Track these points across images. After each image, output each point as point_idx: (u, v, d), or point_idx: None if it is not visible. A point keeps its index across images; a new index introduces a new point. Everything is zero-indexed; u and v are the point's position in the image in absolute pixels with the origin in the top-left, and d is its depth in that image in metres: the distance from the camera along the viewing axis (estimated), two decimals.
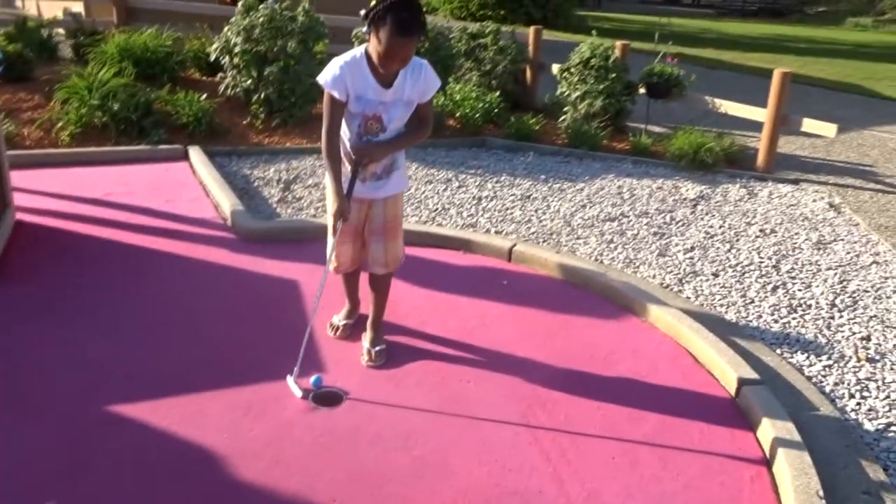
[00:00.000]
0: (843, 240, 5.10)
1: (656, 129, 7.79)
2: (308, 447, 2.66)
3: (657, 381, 3.24)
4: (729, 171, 6.54)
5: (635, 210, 5.41)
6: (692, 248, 4.76)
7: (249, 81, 6.63)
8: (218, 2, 11.29)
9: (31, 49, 7.25)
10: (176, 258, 4.09)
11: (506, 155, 6.66)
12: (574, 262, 4.27)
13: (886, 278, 4.49)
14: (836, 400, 3.22)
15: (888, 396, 3.26)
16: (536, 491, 2.53)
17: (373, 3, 2.62)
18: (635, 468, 2.68)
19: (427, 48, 6.85)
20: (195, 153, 5.76)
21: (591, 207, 5.40)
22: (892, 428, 3.04)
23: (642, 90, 7.37)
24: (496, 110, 7.30)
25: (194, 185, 5.24)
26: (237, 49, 6.56)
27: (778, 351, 3.59)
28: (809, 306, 4.06)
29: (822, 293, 4.23)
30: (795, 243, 4.98)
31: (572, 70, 7.44)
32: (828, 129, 6.35)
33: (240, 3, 6.70)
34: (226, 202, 4.74)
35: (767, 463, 2.76)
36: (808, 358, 3.54)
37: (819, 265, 4.63)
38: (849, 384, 3.34)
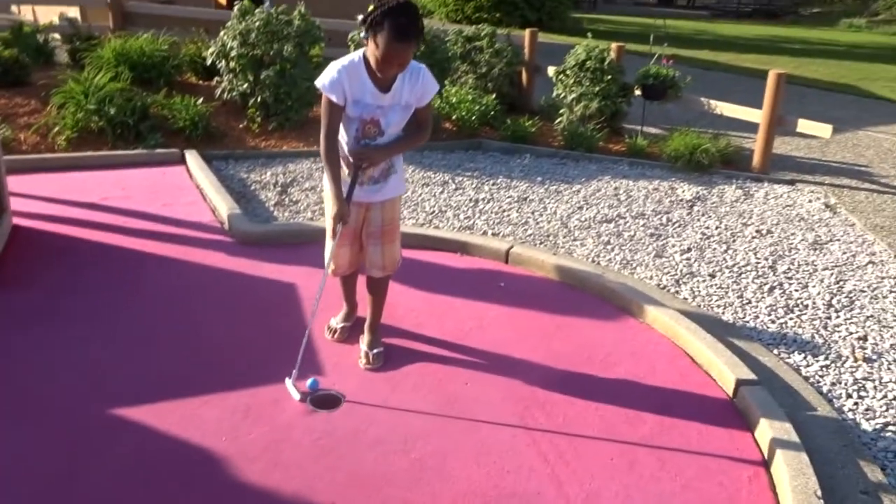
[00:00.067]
0: (839, 240, 5.11)
1: (652, 130, 7.81)
2: (307, 450, 2.66)
3: (655, 382, 3.24)
4: (725, 172, 6.56)
5: (632, 211, 5.42)
6: (689, 249, 4.77)
7: (246, 85, 6.63)
8: (214, 6, 11.31)
9: (28, 54, 7.24)
10: (173, 262, 4.09)
11: (502, 157, 6.67)
12: (571, 264, 4.28)
13: (882, 278, 4.50)
14: (834, 400, 3.23)
15: (885, 396, 3.27)
16: (535, 492, 2.53)
17: (371, 8, 2.63)
18: (634, 469, 2.68)
19: (423, 51, 6.86)
20: (192, 157, 5.76)
21: (587, 209, 5.41)
22: (890, 428, 3.05)
23: (638, 92, 7.39)
24: (492, 113, 7.31)
25: (191, 189, 5.24)
26: (233, 53, 6.57)
27: (775, 351, 3.60)
28: (806, 306, 4.08)
29: (819, 293, 4.24)
30: (792, 244, 4.99)
31: (568, 72, 7.46)
32: (823, 129, 6.37)
33: (236, 8, 6.71)
34: (223, 206, 4.74)
35: (765, 463, 2.77)
36: (805, 358, 3.55)
37: (815, 265, 4.64)
38: (846, 384, 3.35)
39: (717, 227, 5.21)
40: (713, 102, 7.15)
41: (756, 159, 6.73)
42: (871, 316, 4.00)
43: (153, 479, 2.48)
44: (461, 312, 3.74)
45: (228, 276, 3.98)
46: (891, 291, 4.32)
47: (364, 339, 3.29)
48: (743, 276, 4.42)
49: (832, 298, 4.19)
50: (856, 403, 3.21)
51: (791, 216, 5.57)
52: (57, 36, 8.37)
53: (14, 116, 6.18)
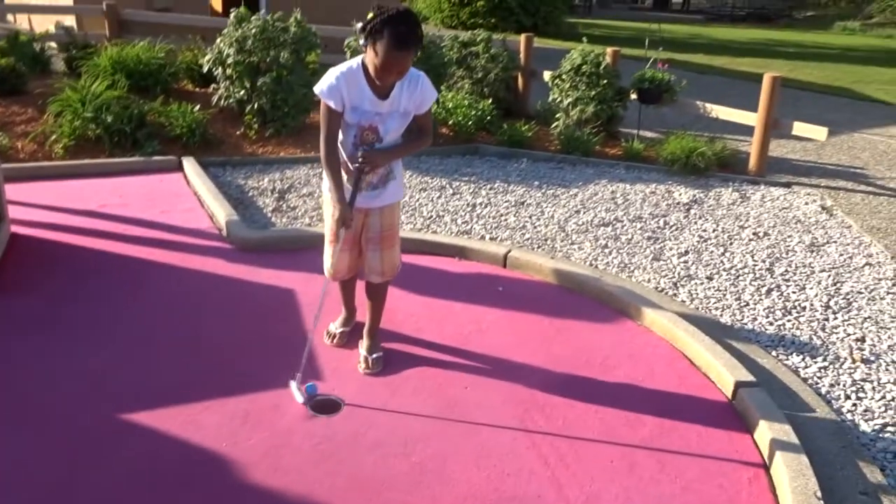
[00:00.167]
0: (835, 242, 5.13)
1: (648, 134, 7.84)
2: (307, 455, 2.66)
3: (654, 385, 3.25)
4: (721, 175, 6.58)
5: (629, 215, 5.43)
6: (686, 252, 4.78)
7: (242, 92, 6.64)
8: (210, 13, 11.34)
9: (24, 63, 7.27)
10: (172, 269, 4.09)
11: (499, 162, 6.69)
12: (569, 268, 4.29)
13: (880, 279, 4.51)
14: (832, 401, 3.24)
15: (884, 397, 3.28)
16: (535, 495, 2.53)
17: (370, 15, 2.64)
18: (633, 471, 2.68)
19: (419, 57, 6.88)
20: (189, 164, 5.77)
21: (584, 213, 5.43)
22: (889, 428, 3.06)
23: (634, 96, 7.41)
24: (489, 118, 7.33)
25: (189, 196, 5.25)
26: (230, 60, 6.58)
27: (773, 353, 3.60)
28: (804, 308, 4.09)
29: (817, 295, 4.26)
30: (789, 246, 5.00)
31: (564, 77, 7.48)
32: (818, 132, 6.39)
33: (232, 15, 6.72)
34: (221, 212, 4.74)
35: (765, 465, 2.77)
36: (803, 360, 3.56)
37: (813, 267, 4.65)
38: (844, 385, 3.36)
39: (714, 230, 5.22)
40: (709, 106, 7.18)
41: (752, 162, 6.75)
42: (869, 317, 4.01)
43: (154, 484, 2.48)
44: (460, 316, 3.74)
45: (227, 283, 3.98)
46: (888, 293, 4.33)
47: (363, 344, 3.29)
48: (740, 278, 4.43)
49: (830, 300, 4.20)
50: (854, 405, 3.22)
51: (788, 218, 5.59)
52: (53, 44, 8.39)
53: (11, 125, 6.18)
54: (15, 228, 4.42)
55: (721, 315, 3.97)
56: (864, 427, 3.06)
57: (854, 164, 7.43)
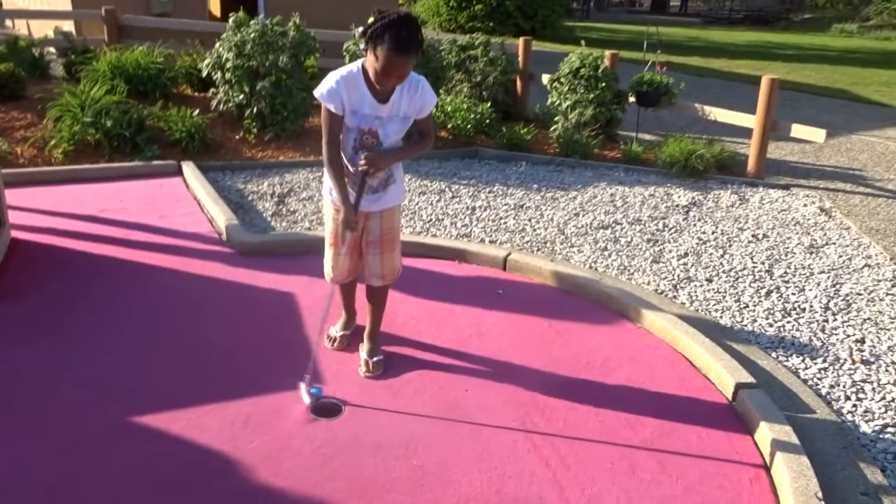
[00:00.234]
0: (834, 243, 5.14)
1: (647, 136, 7.85)
2: (308, 458, 2.66)
3: (654, 387, 3.25)
4: (720, 178, 6.59)
5: (628, 217, 5.44)
6: (686, 255, 4.79)
7: (242, 96, 6.65)
8: (208, 18, 11.36)
9: (23, 68, 7.28)
10: (172, 273, 4.09)
11: (498, 165, 6.70)
12: (569, 270, 4.29)
13: (879, 281, 4.52)
14: (833, 402, 3.24)
15: (884, 398, 3.28)
16: (537, 497, 2.53)
17: (371, 20, 2.64)
18: (635, 473, 2.69)
19: (418, 61, 6.89)
20: (189, 168, 5.77)
21: (584, 215, 5.43)
22: (889, 429, 3.06)
23: (632, 99, 7.43)
24: (487, 121, 7.34)
25: (188, 201, 5.25)
26: (229, 64, 6.59)
27: (773, 354, 3.61)
28: (803, 310, 4.09)
29: (816, 297, 4.26)
30: (788, 248, 5.01)
31: (562, 80, 7.49)
32: (817, 134, 6.41)
33: (230, 19, 6.74)
34: (220, 216, 4.75)
35: (766, 466, 2.78)
36: (803, 361, 3.56)
37: (812, 269, 4.66)
38: (844, 386, 3.36)
39: (713, 232, 5.23)
40: (707, 108, 7.19)
41: (751, 164, 6.76)
42: (869, 318, 4.02)
43: (155, 488, 2.48)
44: (460, 320, 3.75)
45: (227, 287, 3.99)
46: (887, 294, 4.34)
47: (364, 348, 3.30)
48: (740, 280, 4.44)
49: (829, 301, 4.21)
50: (854, 405, 3.22)
51: (786, 220, 5.60)
52: (52, 50, 8.39)
53: (10, 130, 6.19)
54: (15, 233, 4.42)
55: (721, 317, 3.97)
56: (865, 428, 3.07)
57: (852, 166, 7.44)
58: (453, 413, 2.98)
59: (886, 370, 3.51)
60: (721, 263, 4.68)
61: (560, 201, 5.74)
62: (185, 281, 4.02)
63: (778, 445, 2.75)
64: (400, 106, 2.88)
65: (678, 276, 4.46)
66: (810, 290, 4.35)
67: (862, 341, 3.77)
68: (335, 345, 3.41)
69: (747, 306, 4.10)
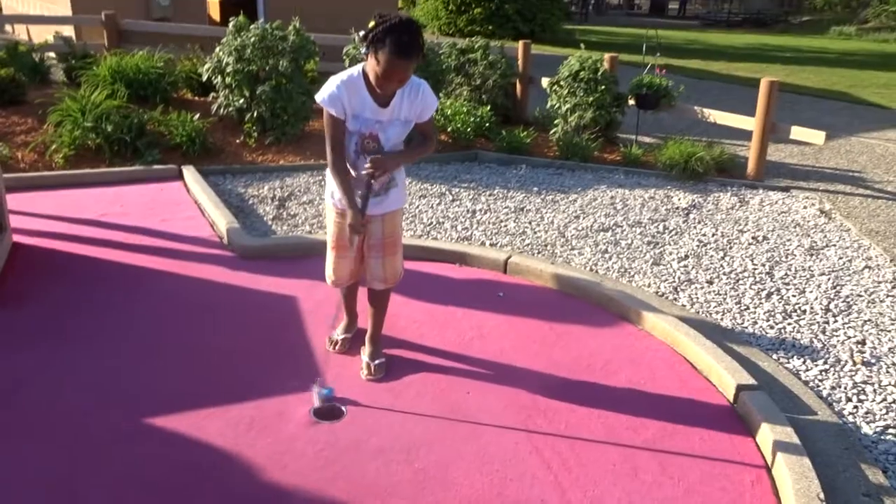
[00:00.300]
0: (834, 245, 5.15)
1: (646, 139, 7.86)
2: (310, 461, 2.67)
3: (655, 389, 3.26)
4: (720, 180, 6.60)
5: (628, 220, 5.45)
6: (686, 257, 4.80)
7: (242, 100, 6.66)
8: (208, 22, 11.38)
9: (24, 73, 7.29)
10: (174, 277, 4.10)
11: (498, 168, 6.71)
12: (569, 273, 4.30)
13: (879, 282, 4.53)
14: (834, 404, 3.25)
15: (885, 399, 3.29)
16: (538, 499, 2.54)
17: (371, 24, 2.65)
18: (636, 475, 2.69)
19: (418, 65, 6.90)
20: (189, 173, 5.78)
21: (584, 218, 5.44)
22: (890, 430, 3.07)
23: (632, 101, 7.43)
24: (487, 124, 7.35)
25: (189, 205, 5.26)
26: (229, 69, 6.60)
27: (774, 356, 3.61)
28: (804, 311, 4.10)
29: (816, 298, 4.27)
30: (788, 250, 5.02)
31: (562, 83, 7.50)
32: (816, 136, 6.42)
33: (230, 24, 6.75)
34: (221, 220, 4.75)
35: (767, 467, 2.78)
36: (804, 363, 3.57)
37: (812, 271, 4.67)
38: (845, 388, 3.37)
39: (713, 235, 5.24)
40: (706, 111, 7.20)
41: (750, 167, 6.77)
42: (869, 320, 4.03)
43: (158, 490, 2.48)
44: (461, 322, 3.75)
45: (229, 290, 3.99)
46: (888, 295, 4.35)
47: (366, 351, 3.30)
48: (740, 282, 4.45)
49: (830, 303, 4.21)
50: (856, 407, 3.23)
51: (786, 222, 5.61)
52: (52, 55, 8.40)
53: (11, 135, 6.20)
54: (17, 238, 4.43)
55: (721, 319, 3.98)
56: (866, 429, 3.07)
57: (852, 168, 7.45)
58: (455, 415, 2.98)
59: (887, 371, 3.51)
60: (721, 265, 4.68)
61: (560, 204, 5.75)
62: (186, 285, 4.02)
63: (779, 447, 2.76)
64: (401, 110, 2.89)
65: (679, 278, 4.46)
66: (811, 291, 4.36)
67: (863, 343, 3.78)
68: (336, 348, 3.41)
69: (748, 308, 4.11)
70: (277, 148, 6.58)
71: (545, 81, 7.84)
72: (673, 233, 5.24)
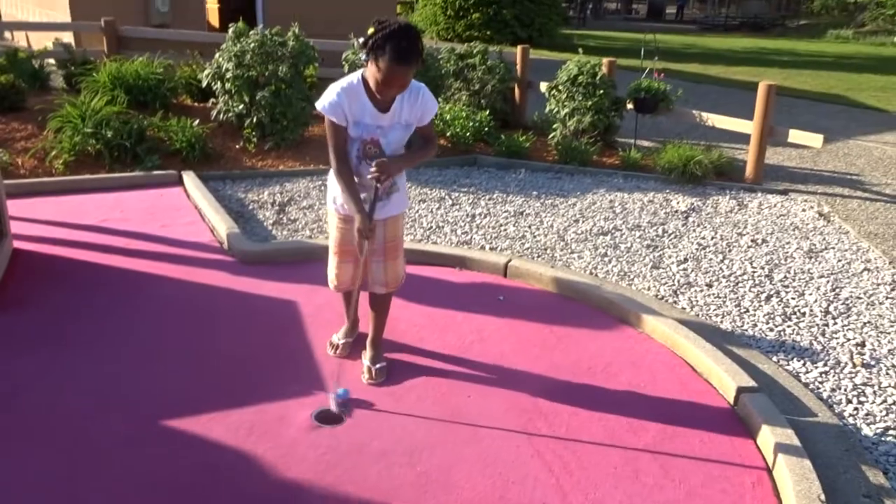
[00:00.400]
0: (833, 248, 5.16)
1: (645, 143, 7.88)
2: (312, 465, 2.67)
3: (656, 392, 3.26)
4: (718, 183, 6.62)
5: (628, 223, 5.46)
6: (685, 260, 4.81)
7: (241, 106, 6.68)
8: (207, 28, 11.40)
9: (23, 79, 7.30)
10: (174, 282, 4.11)
11: (497, 172, 6.72)
12: (569, 276, 4.31)
13: (878, 285, 4.54)
14: (834, 405, 3.25)
15: (885, 401, 3.30)
16: (540, 502, 2.54)
17: (371, 30, 2.66)
18: (638, 477, 2.70)
19: (417, 70, 6.92)
20: (189, 178, 5.79)
21: (583, 222, 5.45)
22: (891, 432, 3.08)
23: (630, 106, 7.46)
24: (486, 129, 7.37)
25: (189, 210, 5.27)
26: (229, 74, 6.62)
27: (774, 359, 3.62)
28: (803, 314, 4.11)
29: (816, 301, 4.28)
30: (787, 252, 5.03)
31: (560, 87, 7.53)
32: (814, 139, 6.44)
33: (230, 30, 6.77)
34: (222, 225, 4.76)
35: (768, 469, 2.79)
36: (804, 365, 3.57)
37: (811, 273, 4.68)
38: (845, 390, 3.38)
39: (712, 238, 5.25)
40: (705, 115, 7.22)
41: (749, 170, 6.79)
42: (869, 322, 4.04)
43: (158, 495, 2.49)
44: (462, 326, 3.76)
45: (229, 295, 4.00)
46: (887, 297, 4.36)
47: (367, 355, 3.31)
48: (740, 285, 4.46)
49: (829, 305, 4.22)
50: (856, 409, 3.24)
51: (785, 225, 5.62)
52: (52, 61, 8.42)
53: (11, 141, 6.21)
54: (17, 244, 4.43)
55: (721, 322, 3.99)
56: (866, 431, 3.08)
57: (850, 171, 7.47)
58: (456, 419, 2.98)
59: (887, 373, 3.52)
60: (721, 268, 4.69)
61: (559, 208, 5.76)
62: (187, 290, 4.03)
63: (780, 449, 2.76)
64: (401, 114, 2.90)
65: (678, 281, 4.47)
66: (810, 294, 4.37)
67: (862, 345, 3.79)
68: (338, 352, 3.42)
69: (747, 311, 4.12)
70: (277, 153, 6.59)
71: (544, 86, 7.86)
72: (672, 236, 5.25)
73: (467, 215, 5.48)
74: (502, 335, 3.69)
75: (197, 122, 6.55)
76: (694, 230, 5.40)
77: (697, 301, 4.21)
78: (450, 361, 3.42)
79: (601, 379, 3.34)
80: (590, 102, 7.29)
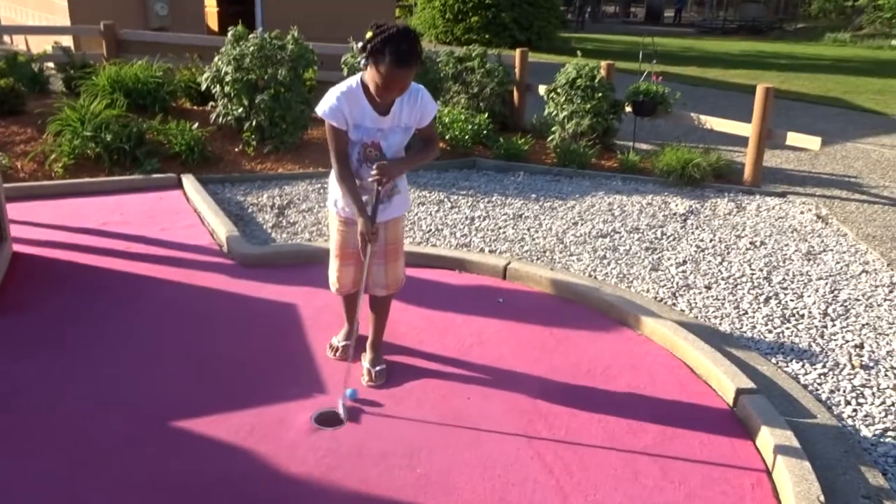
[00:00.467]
0: (832, 250, 5.17)
1: (644, 146, 7.89)
2: (312, 468, 2.67)
3: (655, 393, 3.27)
4: (717, 186, 6.63)
5: (626, 226, 5.47)
6: (684, 262, 4.82)
7: (241, 109, 6.69)
8: (206, 32, 11.41)
9: (23, 83, 7.31)
10: (174, 285, 4.11)
11: (496, 175, 6.73)
12: (568, 279, 4.32)
13: (877, 286, 4.55)
14: (833, 407, 3.26)
15: (883, 402, 3.30)
16: None
17: (370, 34, 2.67)
18: (637, 479, 2.70)
19: (417, 72, 6.93)
20: (189, 181, 5.80)
21: (582, 224, 5.46)
22: (889, 433, 3.08)
23: (628, 108, 7.47)
24: (485, 132, 7.38)
25: (189, 213, 5.27)
26: (228, 78, 6.62)
27: (773, 360, 3.63)
28: (802, 316, 4.12)
29: (815, 303, 4.29)
30: (785, 254, 5.04)
31: (559, 90, 7.53)
32: (812, 142, 6.45)
33: (229, 33, 6.78)
34: (221, 229, 4.77)
35: (768, 470, 2.79)
36: (803, 366, 3.58)
37: (810, 275, 4.69)
38: (844, 391, 3.38)
39: (711, 240, 5.26)
40: (703, 117, 7.23)
41: (747, 172, 6.80)
42: (867, 324, 4.05)
43: (158, 497, 2.49)
44: (461, 328, 3.77)
45: (229, 298, 4.00)
46: (885, 299, 4.37)
47: (366, 357, 3.31)
48: (738, 287, 4.46)
49: (828, 307, 4.23)
50: (855, 410, 3.24)
51: (784, 228, 5.63)
52: (51, 65, 8.42)
53: (11, 145, 6.21)
54: (17, 248, 4.43)
55: (720, 323, 3.99)
56: (865, 432, 3.09)
57: (848, 173, 7.49)
58: (456, 421, 2.99)
59: (886, 375, 3.53)
60: (719, 271, 4.70)
61: (558, 210, 5.77)
62: (186, 293, 4.03)
63: (779, 450, 2.77)
64: (401, 117, 2.91)
65: (677, 283, 4.48)
66: (809, 296, 4.38)
67: (861, 346, 3.80)
68: (337, 354, 3.42)
69: (746, 313, 4.13)
70: (276, 156, 6.60)
71: (542, 89, 7.87)
72: (671, 238, 5.26)
73: (466, 218, 5.49)
74: (502, 337, 3.69)
75: (196, 125, 6.56)
76: (692, 232, 5.41)
77: (696, 303, 4.22)
78: (449, 363, 3.43)
79: (601, 381, 3.34)
80: (588, 105, 7.29)
